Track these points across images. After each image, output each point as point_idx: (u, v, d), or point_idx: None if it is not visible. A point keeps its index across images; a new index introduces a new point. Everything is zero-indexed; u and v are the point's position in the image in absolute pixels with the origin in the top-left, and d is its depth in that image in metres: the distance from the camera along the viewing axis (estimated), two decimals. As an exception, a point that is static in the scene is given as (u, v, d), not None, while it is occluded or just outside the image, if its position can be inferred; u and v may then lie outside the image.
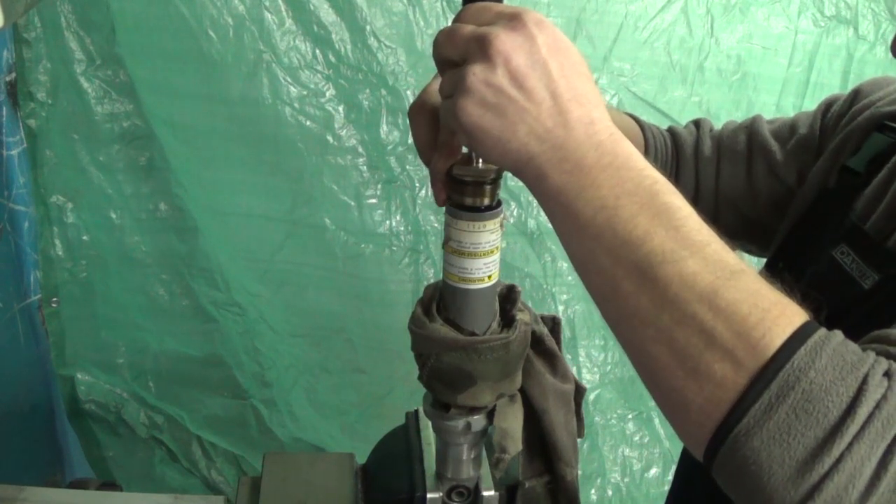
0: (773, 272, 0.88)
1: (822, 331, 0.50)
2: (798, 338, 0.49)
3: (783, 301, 0.51)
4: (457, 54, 0.56)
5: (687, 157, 0.98)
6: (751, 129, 0.95)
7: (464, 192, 0.63)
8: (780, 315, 0.49)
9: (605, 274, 0.54)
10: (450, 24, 0.58)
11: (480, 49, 0.53)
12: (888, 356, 0.51)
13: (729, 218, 0.96)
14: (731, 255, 0.52)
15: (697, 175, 0.97)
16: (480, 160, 0.63)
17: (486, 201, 0.63)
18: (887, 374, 0.49)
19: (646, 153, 0.96)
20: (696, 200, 0.97)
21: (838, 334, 0.51)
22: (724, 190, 0.95)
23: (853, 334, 0.56)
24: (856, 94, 0.89)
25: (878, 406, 0.47)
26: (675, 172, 0.98)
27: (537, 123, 0.54)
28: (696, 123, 1.01)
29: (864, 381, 0.48)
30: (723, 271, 0.51)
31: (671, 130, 1.01)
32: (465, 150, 0.64)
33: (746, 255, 1.85)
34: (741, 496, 0.51)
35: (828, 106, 0.91)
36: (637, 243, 0.52)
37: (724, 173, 0.95)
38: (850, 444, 0.47)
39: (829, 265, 0.79)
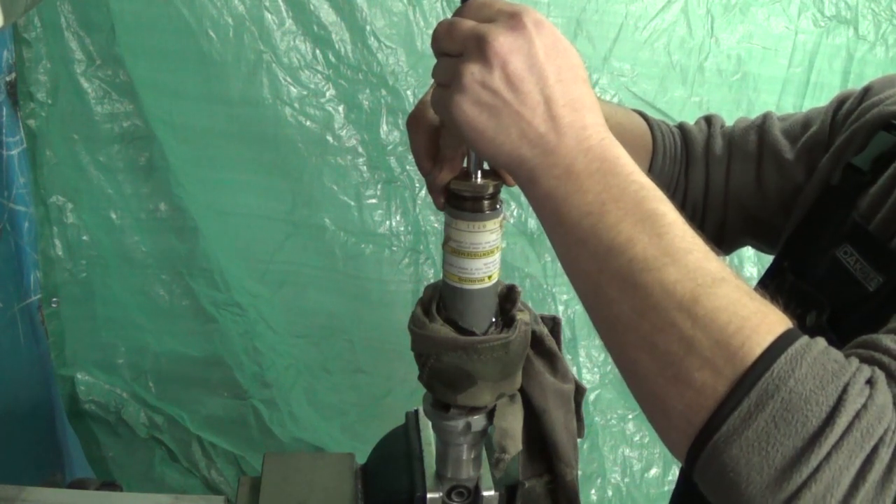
0: (778, 271, 0.87)
1: (804, 339, 0.50)
2: (778, 346, 0.49)
3: (764, 309, 0.51)
4: (455, 49, 0.56)
5: (697, 155, 0.97)
6: (762, 128, 0.94)
7: (462, 205, 0.63)
8: (761, 323, 0.50)
9: (589, 279, 0.55)
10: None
11: (478, 48, 0.53)
12: (872, 363, 0.51)
13: (737, 216, 0.95)
14: (714, 263, 0.52)
15: (707, 174, 0.96)
16: (479, 175, 0.63)
17: (486, 209, 0.63)
18: (869, 381, 0.49)
19: (654, 151, 0.96)
20: (705, 198, 0.96)
21: (820, 342, 0.51)
22: (733, 190, 0.95)
23: (856, 336, 0.56)
24: (866, 91, 0.88)
25: (857, 416, 0.47)
26: (684, 170, 0.97)
27: (530, 128, 0.54)
28: (708, 120, 1.00)
29: (845, 391, 0.48)
30: (704, 279, 0.51)
31: (681, 127, 1.00)
32: (464, 164, 0.64)
33: (747, 258, 1.85)
34: (721, 502, 0.51)
35: (840, 102, 0.90)
36: (620, 250, 0.52)
37: (734, 174, 0.94)
38: (829, 454, 0.47)
39: (832, 265, 0.79)
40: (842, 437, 0.47)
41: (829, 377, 0.48)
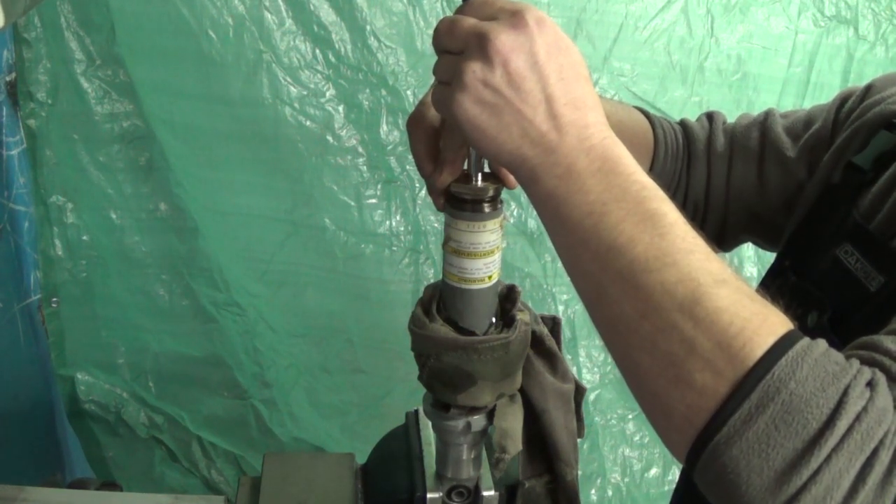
0: (779, 271, 0.87)
1: (805, 340, 0.50)
2: (780, 348, 0.49)
3: (765, 311, 0.51)
4: (456, 47, 0.55)
5: (699, 152, 0.96)
6: (764, 125, 0.94)
7: (462, 207, 0.63)
8: (762, 325, 0.50)
9: (591, 279, 0.55)
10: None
11: (480, 46, 0.53)
12: (872, 364, 0.51)
13: (739, 214, 0.95)
14: (716, 264, 0.52)
15: (709, 171, 0.96)
16: (479, 178, 0.63)
17: (486, 210, 0.63)
18: (870, 384, 0.49)
19: (656, 149, 0.95)
20: (706, 196, 0.96)
21: (821, 344, 0.51)
22: (735, 187, 0.94)
23: (857, 337, 0.56)
24: (868, 90, 0.87)
25: (858, 418, 0.47)
26: (686, 167, 0.97)
27: (531, 127, 0.54)
28: (710, 117, 1.00)
29: (846, 393, 0.48)
30: (705, 280, 0.51)
31: (683, 124, 1.00)
32: (464, 167, 0.64)
33: (747, 258, 1.85)
34: (721, 503, 0.51)
35: (843, 100, 0.90)
36: (621, 250, 0.52)
37: (735, 171, 0.94)
38: (829, 457, 0.47)
39: (833, 265, 0.79)
40: (842, 440, 0.47)
41: (829, 379, 0.48)
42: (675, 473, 1.93)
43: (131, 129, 1.56)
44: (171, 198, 1.60)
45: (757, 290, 0.52)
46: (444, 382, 0.67)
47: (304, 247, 1.68)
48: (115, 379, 1.69)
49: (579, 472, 0.81)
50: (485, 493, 0.76)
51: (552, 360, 0.78)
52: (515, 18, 0.53)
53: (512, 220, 1.75)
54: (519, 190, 0.60)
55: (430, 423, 0.78)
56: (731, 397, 0.48)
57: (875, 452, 0.47)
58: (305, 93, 1.59)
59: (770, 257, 0.94)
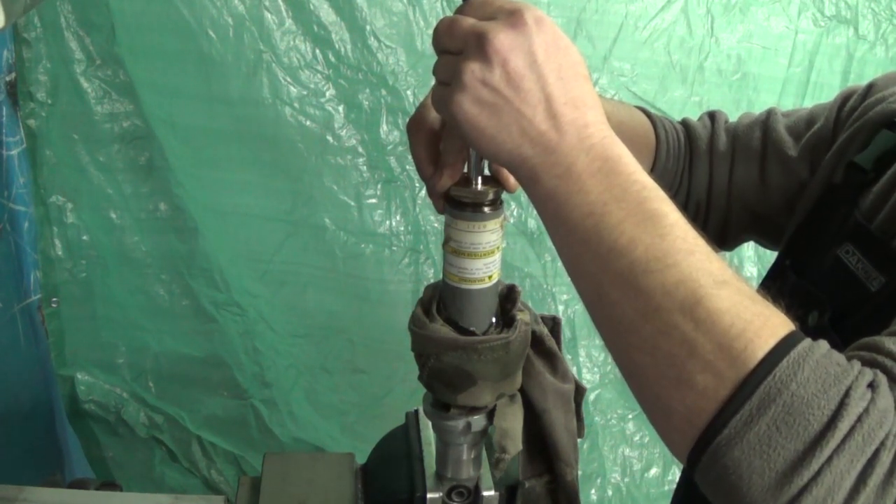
0: (780, 271, 0.87)
1: (807, 342, 0.50)
2: (781, 349, 0.49)
3: (766, 312, 0.51)
4: (455, 47, 0.55)
5: (701, 152, 0.96)
6: (766, 124, 0.94)
7: (463, 207, 0.63)
8: (763, 326, 0.49)
9: (592, 280, 0.55)
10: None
11: (479, 46, 0.53)
12: (874, 366, 0.51)
13: (741, 213, 0.95)
14: (717, 265, 0.52)
15: (711, 170, 0.96)
16: (479, 181, 0.63)
17: (487, 210, 0.63)
18: (871, 385, 0.49)
19: (657, 148, 0.95)
20: (708, 195, 0.96)
21: (823, 345, 0.51)
22: (737, 187, 0.94)
23: (858, 337, 0.56)
24: (869, 88, 0.87)
25: (859, 419, 0.47)
26: (688, 167, 0.97)
27: (531, 126, 0.54)
28: (712, 116, 1.00)
29: (847, 394, 0.48)
30: (706, 281, 0.51)
31: (685, 123, 1.00)
32: (464, 170, 0.64)
33: (747, 258, 1.85)
34: None
35: (844, 99, 0.90)
36: (622, 251, 0.52)
37: (737, 171, 0.94)
38: (830, 458, 0.47)
39: (834, 265, 0.79)
40: (843, 441, 0.47)
41: (831, 381, 0.48)
42: (675, 473, 1.93)
43: (131, 129, 1.56)
44: (171, 198, 1.60)
45: (758, 291, 0.52)
46: (444, 382, 0.67)
47: (304, 247, 1.68)
48: (115, 379, 1.69)
49: (579, 472, 0.81)
50: (485, 493, 0.76)
51: (552, 360, 0.78)
52: (514, 18, 0.53)
53: (512, 220, 1.75)
54: (519, 190, 0.60)
55: (430, 423, 0.78)
56: (732, 399, 0.48)
57: (876, 454, 0.47)
58: (305, 93, 1.59)
59: (770, 257, 0.94)
